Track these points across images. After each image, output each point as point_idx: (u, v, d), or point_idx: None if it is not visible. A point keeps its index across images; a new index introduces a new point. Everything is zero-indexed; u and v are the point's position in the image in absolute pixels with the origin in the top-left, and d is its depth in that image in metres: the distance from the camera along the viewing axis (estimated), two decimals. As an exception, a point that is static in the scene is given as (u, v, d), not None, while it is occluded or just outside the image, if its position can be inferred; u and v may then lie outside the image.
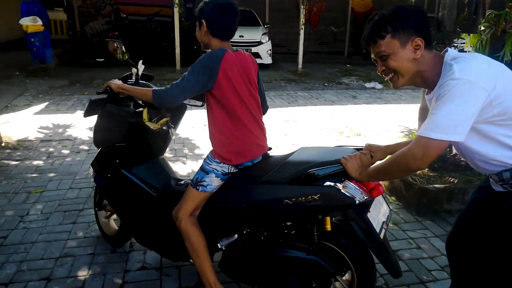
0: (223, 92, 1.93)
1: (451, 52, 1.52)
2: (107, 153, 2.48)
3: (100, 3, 12.37)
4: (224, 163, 2.02)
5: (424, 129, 1.42)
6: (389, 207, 2.00)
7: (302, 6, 10.00)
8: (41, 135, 5.23)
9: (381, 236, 1.80)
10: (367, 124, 6.16)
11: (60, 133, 5.33)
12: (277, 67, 11.02)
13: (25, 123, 5.75)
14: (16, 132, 5.27)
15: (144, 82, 2.47)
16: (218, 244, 2.12)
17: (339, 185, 1.77)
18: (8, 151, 4.64)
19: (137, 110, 2.29)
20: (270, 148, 2.17)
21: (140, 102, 2.30)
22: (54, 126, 5.62)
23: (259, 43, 10.29)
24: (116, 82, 2.23)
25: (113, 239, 2.78)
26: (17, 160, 4.36)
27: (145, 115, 2.19)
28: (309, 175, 1.83)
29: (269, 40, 10.44)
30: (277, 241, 2.02)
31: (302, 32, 10.19)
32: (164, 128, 2.28)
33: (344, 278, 2.04)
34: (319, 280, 1.96)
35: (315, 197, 1.79)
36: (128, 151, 2.41)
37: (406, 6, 1.55)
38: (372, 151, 1.80)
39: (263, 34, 10.44)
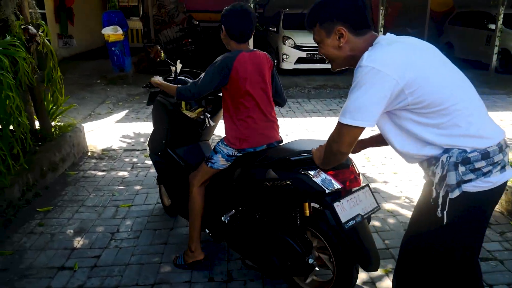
0: (234, 87, 2.22)
1: (380, 37, 1.54)
2: (156, 134, 2.92)
3: (174, 11, 12.60)
4: (229, 146, 2.33)
5: (340, 115, 1.50)
6: (376, 203, 2.04)
7: (381, 7, 9.43)
8: (124, 145, 5.23)
9: (347, 226, 1.87)
10: (464, 135, 5.53)
11: (142, 142, 5.30)
12: (352, 71, 10.48)
13: (108, 131, 5.82)
14: (100, 141, 5.32)
15: (182, 78, 2.77)
16: (222, 218, 2.44)
17: (311, 173, 1.91)
18: (94, 161, 4.65)
19: (177, 101, 2.62)
20: (280, 141, 2.41)
21: None
22: (135, 135, 5.62)
23: (334, 47, 9.84)
24: (155, 79, 2.64)
25: (168, 209, 3.28)
26: (103, 171, 4.35)
27: (183, 105, 2.61)
28: (284, 160, 2.05)
29: (344, 43, 9.95)
30: (263, 220, 2.24)
31: (380, 34, 9.58)
32: (201, 117, 2.65)
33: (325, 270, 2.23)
34: (292, 259, 2.12)
35: (288, 182, 1.98)
36: (172, 134, 2.81)
37: None
38: None
39: (337, 38, 9.98)
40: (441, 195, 1.45)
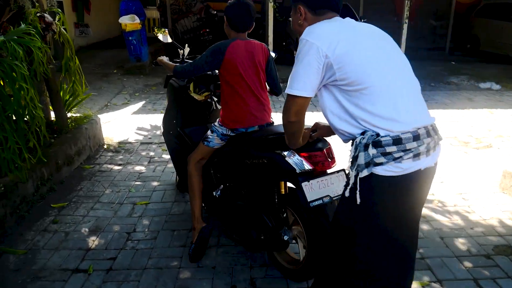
0: (227, 72, 2.39)
1: (335, 17, 1.68)
2: (169, 114, 3.13)
3: (191, 1, 12.39)
4: (223, 126, 2.51)
5: None
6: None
7: (406, -2, 9.07)
8: (140, 137, 5.09)
9: (313, 204, 1.96)
10: (496, 133, 5.25)
11: (159, 135, 5.15)
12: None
13: (124, 123, 5.69)
14: (117, 133, 5.19)
15: (189, 61, 2.86)
16: (214, 192, 2.64)
17: (285, 153, 2.04)
18: (110, 154, 4.52)
19: (186, 83, 2.91)
20: (271, 123, 2.52)
21: (193, 78, 2.84)
22: (152, 128, 5.48)
23: (356, 39, 9.52)
24: (160, 57, 2.86)
25: (178, 185, 3.55)
26: (119, 165, 4.21)
27: (191, 87, 2.82)
28: (263, 140, 2.24)
29: (367, 35, 9.63)
30: (246, 195, 2.44)
31: (405, 26, 9.25)
32: (208, 100, 2.88)
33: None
34: (265, 234, 2.30)
35: (264, 160, 2.16)
36: (181, 115, 3.01)
37: None
38: (317, 127, 2.07)
39: (360, 29, 9.65)
40: (353, 175, 1.52)
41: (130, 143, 4.89)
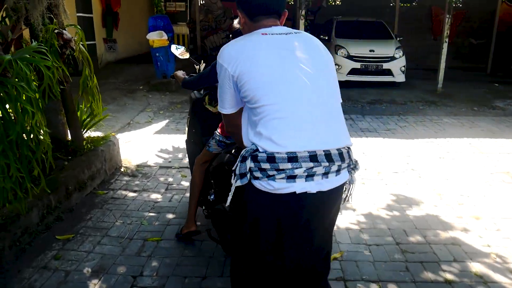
0: None
1: (263, 29, 1.67)
2: (189, 124, 3.36)
3: (221, 17, 12.26)
4: (220, 134, 2.71)
5: None
6: None
7: (447, 16, 8.55)
8: (160, 160, 4.80)
9: None
10: (554, 168, 4.65)
11: (180, 158, 4.85)
12: (409, 85, 9.63)
13: (145, 144, 5.43)
14: (136, 155, 4.92)
15: None
16: (208, 196, 2.88)
17: None
18: (126, 178, 4.24)
19: (203, 95, 3.07)
20: None
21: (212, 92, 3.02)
22: (173, 150, 5.19)
23: (392, 58, 9.05)
24: (176, 72, 3.14)
25: None
26: (135, 191, 3.92)
27: (206, 99, 3.00)
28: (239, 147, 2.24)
29: (403, 55, 9.15)
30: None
31: (445, 45, 8.70)
32: None
33: None
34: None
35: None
36: (200, 125, 3.16)
37: None
38: None
39: (396, 49, 9.18)
40: (233, 183, 1.58)
41: (148, 166, 4.61)
